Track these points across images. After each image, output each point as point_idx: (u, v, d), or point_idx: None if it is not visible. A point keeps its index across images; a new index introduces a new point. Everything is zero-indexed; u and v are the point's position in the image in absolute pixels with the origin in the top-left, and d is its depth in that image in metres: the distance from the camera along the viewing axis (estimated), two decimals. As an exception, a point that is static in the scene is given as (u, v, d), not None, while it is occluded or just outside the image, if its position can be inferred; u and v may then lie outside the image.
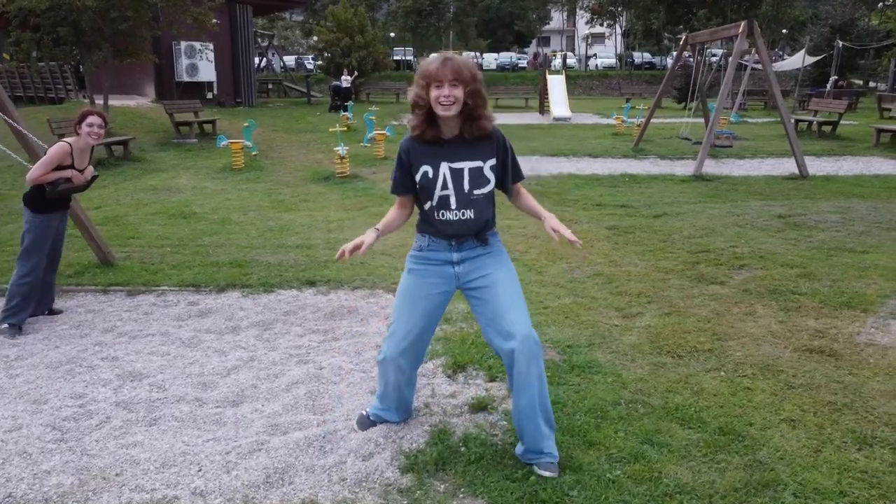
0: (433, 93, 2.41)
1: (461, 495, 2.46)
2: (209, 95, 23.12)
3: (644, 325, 4.24)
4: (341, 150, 10.05)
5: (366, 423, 2.98)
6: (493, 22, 52.92)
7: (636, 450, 2.76)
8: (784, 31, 44.22)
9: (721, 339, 4.02)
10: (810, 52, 27.53)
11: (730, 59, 25.86)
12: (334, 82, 24.82)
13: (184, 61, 22.22)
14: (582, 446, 2.78)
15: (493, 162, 2.57)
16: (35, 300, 4.47)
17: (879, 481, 2.58)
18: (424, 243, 2.67)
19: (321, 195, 9.14)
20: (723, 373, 3.55)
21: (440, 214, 2.56)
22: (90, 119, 4.32)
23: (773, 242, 6.27)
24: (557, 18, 60.46)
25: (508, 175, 2.65)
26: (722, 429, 2.94)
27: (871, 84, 38.83)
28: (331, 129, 11.41)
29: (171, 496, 2.51)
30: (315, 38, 35.58)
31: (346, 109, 19.14)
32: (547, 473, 2.55)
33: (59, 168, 4.30)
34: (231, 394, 3.41)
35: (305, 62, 48.03)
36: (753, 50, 22.08)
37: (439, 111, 2.42)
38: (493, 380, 3.41)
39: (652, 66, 48.37)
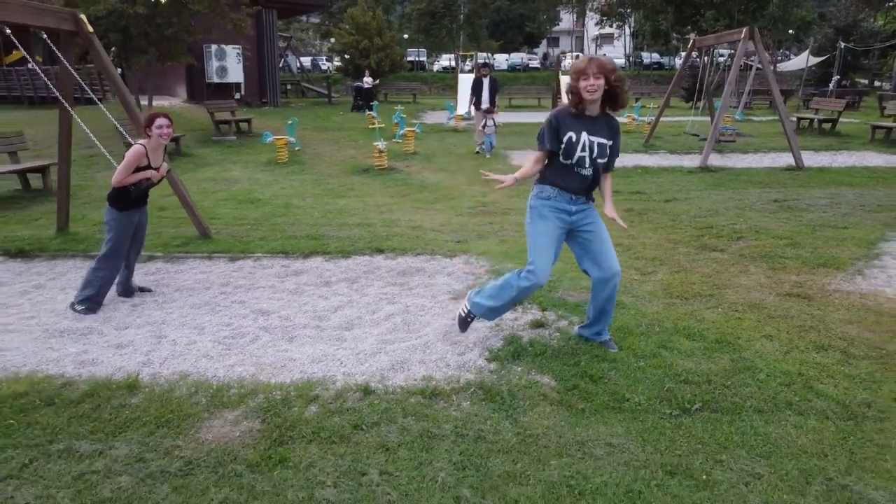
0: (582, 83, 3.36)
1: (533, 373, 3.52)
2: (237, 96, 24.26)
3: (658, 280, 5.29)
4: (381, 144, 11.12)
5: (465, 324, 3.99)
6: (504, 23, 53.92)
7: (654, 351, 3.81)
8: (790, 31, 45.00)
9: (719, 288, 5.06)
10: (814, 53, 28.42)
11: (759, 58, 26.75)
12: (356, 83, 25.92)
13: (214, 63, 23.39)
14: (616, 347, 3.83)
15: (611, 143, 3.55)
16: (107, 291, 4.91)
17: (829, 369, 3.62)
18: (553, 194, 3.59)
19: (364, 185, 10.20)
20: (720, 309, 4.60)
21: (577, 169, 3.50)
22: (158, 121, 4.71)
23: (767, 221, 7.29)
24: (567, 19, 61.40)
25: (614, 157, 3.62)
26: (717, 340, 3.99)
27: (877, 83, 39.62)
28: (370, 126, 12.47)
29: (329, 376, 3.58)
30: (333, 39, 36.73)
31: (370, 109, 20.21)
32: (614, 349, 3.79)
33: (137, 169, 4.70)
34: (343, 322, 4.48)
35: (320, 63, 49.27)
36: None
37: (587, 96, 3.37)
38: (544, 309, 4.47)
39: (660, 66, 49.24)
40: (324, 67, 47.34)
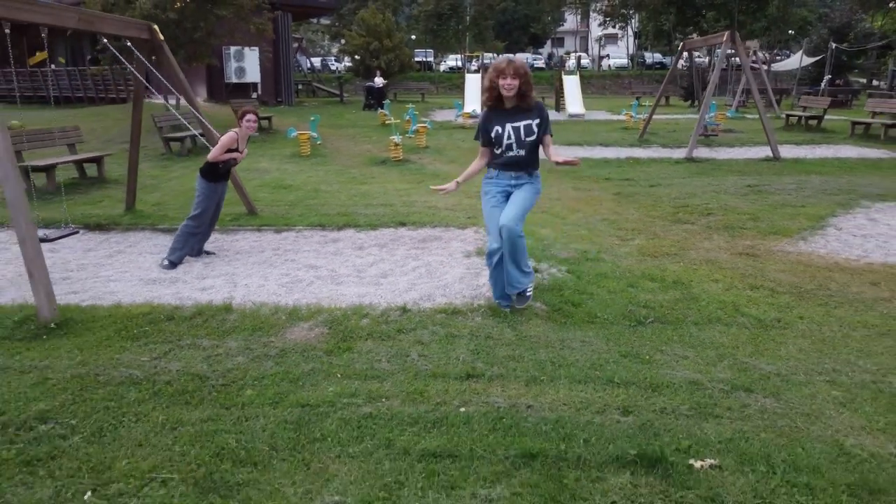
0: (501, 81, 4.14)
1: (532, 301, 4.63)
2: (254, 95, 25.44)
3: (635, 244, 6.39)
4: (397, 138, 12.24)
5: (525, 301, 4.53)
6: (509, 24, 55.03)
7: (623, 288, 4.92)
8: (791, 31, 45.94)
9: (685, 249, 6.16)
10: (810, 53, 29.42)
11: (739, 60, 27.58)
12: (368, 83, 27.06)
13: (233, 64, 24.57)
14: (592, 286, 4.94)
15: (537, 121, 4.25)
16: (193, 246, 6.17)
17: (756, 300, 4.72)
18: (495, 175, 4.51)
19: (383, 174, 11.33)
20: (681, 263, 5.70)
21: (508, 153, 4.25)
22: (248, 116, 5.91)
23: (737, 201, 8.38)
24: (571, 20, 62.42)
25: (543, 129, 4.27)
26: (674, 282, 5.10)
27: (875, 83, 40.51)
28: (384, 123, 13.55)
29: (374, 303, 4.70)
30: (343, 41, 37.92)
31: (382, 107, 21.34)
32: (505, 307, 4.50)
33: (229, 150, 6.03)
34: (378, 273, 5.60)
35: (330, 63, 50.51)
36: (752, 51, 23.96)
37: (504, 93, 4.15)
38: (539, 261, 5.57)
39: (663, 66, 50.13)
40: (333, 68, 48.57)
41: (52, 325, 4.23)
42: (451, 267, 5.66)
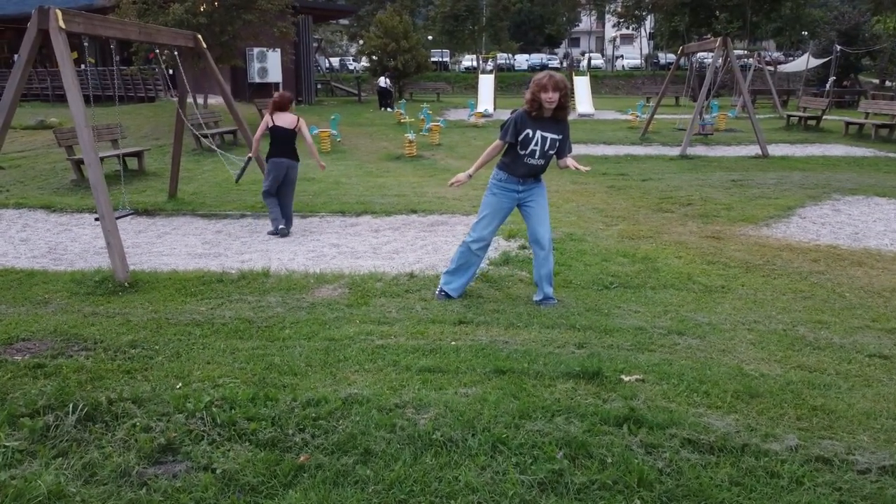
0: (543, 95, 4.42)
1: (515, 270, 5.53)
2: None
3: (617, 228, 7.26)
4: (411, 135, 13.17)
5: (443, 297, 4.92)
6: (525, 24, 55.77)
7: (597, 262, 5.80)
8: (804, 32, 46.20)
9: (660, 233, 7.02)
10: (817, 55, 29.94)
11: (750, 61, 28.10)
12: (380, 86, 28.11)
13: (256, 65, 25.65)
14: (571, 261, 5.83)
15: (561, 137, 4.61)
16: (274, 215, 7.31)
17: (709, 271, 5.58)
18: (504, 178, 4.70)
19: (398, 168, 12.27)
20: (653, 244, 6.56)
21: (528, 160, 4.57)
22: (276, 113, 7.34)
23: (718, 194, 9.21)
24: (587, 20, 63.03)
25: (565, 148, 4.70)
26: (643, 258, 5.97)
27: (888, 83, 40.72)
28: (402, 121, 14.49)
29: (387, 271, 5.62)
30: (361, 41, 38.98)
31: (389, 107, 22.29)
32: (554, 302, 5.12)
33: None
34: (391, 250, 6.53)
35: (348, 64, 51.61)
36: (757, 53, 24.55)
37: (546, 105, 4.48)
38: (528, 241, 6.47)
39: (678, 66, 50.63)
40: (351, 68, 49.69)
41: (126, 285, 5.20)
42: (453, 245, 6.56)
